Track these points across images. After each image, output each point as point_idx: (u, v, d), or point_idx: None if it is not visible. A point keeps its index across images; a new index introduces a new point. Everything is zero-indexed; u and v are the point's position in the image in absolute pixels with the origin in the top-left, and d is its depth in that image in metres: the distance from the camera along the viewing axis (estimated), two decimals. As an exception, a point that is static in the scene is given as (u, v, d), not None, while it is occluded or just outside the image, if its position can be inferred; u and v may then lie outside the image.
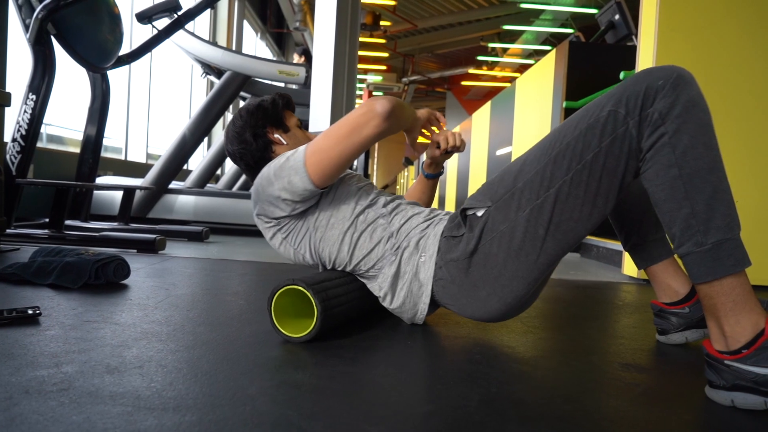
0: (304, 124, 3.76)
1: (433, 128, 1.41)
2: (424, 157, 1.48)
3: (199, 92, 8.73)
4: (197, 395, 0.79)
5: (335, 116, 3.54)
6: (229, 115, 8.73)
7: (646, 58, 2.33)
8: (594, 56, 3.45)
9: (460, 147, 1.37)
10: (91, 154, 3.16)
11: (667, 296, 1.23)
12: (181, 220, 3.93)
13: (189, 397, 0.78)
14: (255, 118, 1.33)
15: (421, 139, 1.36)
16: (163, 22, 3.32)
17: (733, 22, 2.27)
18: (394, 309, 1.24)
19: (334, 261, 1.26)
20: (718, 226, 0.86)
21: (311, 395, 0.82)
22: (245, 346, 1.07)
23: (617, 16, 4.11)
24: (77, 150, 3.30)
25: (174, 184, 4.24)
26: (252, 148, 1.33)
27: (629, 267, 2.46)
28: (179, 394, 0.79)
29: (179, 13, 3.28)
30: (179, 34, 4.04)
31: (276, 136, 1.35)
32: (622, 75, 2.85)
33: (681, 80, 0.91)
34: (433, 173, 1.48)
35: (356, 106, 4.08)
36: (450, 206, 7.41)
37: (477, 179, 5.60)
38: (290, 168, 1.18)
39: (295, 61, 5.89)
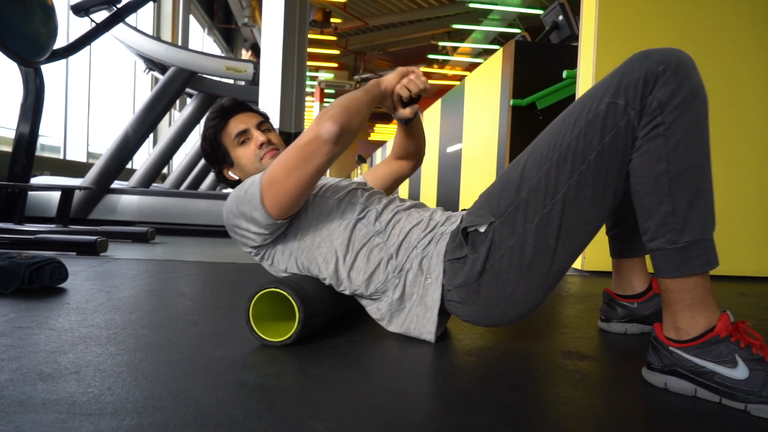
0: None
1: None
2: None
3: (143, 88, 8.43)
4: (137, 399, 0.76)
5: (285, 113, 3.49)
6: (175, 113, 8.47)
7: (587, 58, 2.42)
8: (539, 55, 3.55)
9: (424, 89, 1.23)
10: (25, 153, 2.99)
11: (623, 289, 1.27)
12: (125, 221, 3.79)
13: (128, 401, 0.76)
14: (209, 161, 1.35)
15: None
16: (101, 15, 3.19)
17: (671, 23, 2.38)
18: (394, 331, 1.16)
19: (333, 284, 1.17)
20: (694, 226, 0.85)
21: (257, 394, 0.81)
22: (190, 347, 1.04)
23: (561, 17, 4.24)
24: (9, 149, 3.12)
25: (117, 184, 4.08)
26: (225, 184, 1.37)
27: (573, 259, 2.54)
28: (118, 399, 0.76)
29: (119, 5, 3.16)
30: (120, 28, 3.89)
31: (230, 174, 1.32)
32: (565, 74, 2.95)
33: (683, 66, 0.86)
34: (408, 118, 1.31)
35: (305, 102, 4.04)
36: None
37: (429, 176, 5.66)
38: (249, 203, 1.12)
39: (243, 57, 5.77)
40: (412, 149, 1.44)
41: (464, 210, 1.21)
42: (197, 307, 1.41)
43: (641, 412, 0.83)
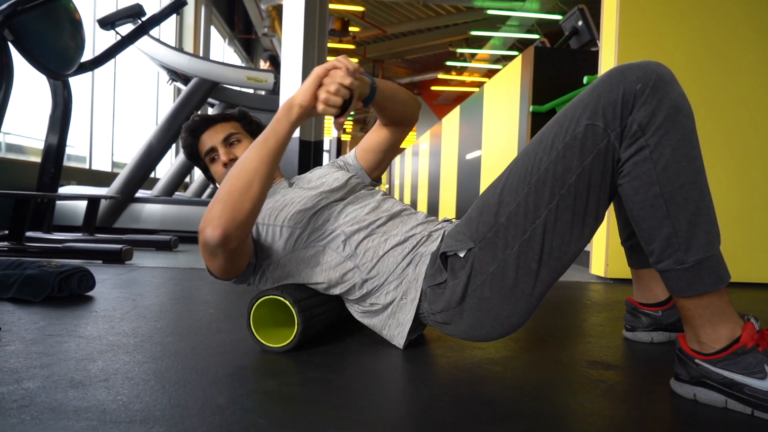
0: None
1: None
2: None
3: (166, 99, 8.58)
4: (165, 407, 0.78)
5: (303, 123, 3.52)
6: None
7: (608, 64, 2.40)
8: (558, 61, 3.53)
9: (351, 84, 1.03)
10: (53, 164, 3.07)
11: (645, 297, 1.26)
12: (149, 229, 3.85)
13: (156, 408, 0.77)
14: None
15: None
16: (126, 28, 3.26)
17: (690, 27, 2.35)
18: (366, 324, 1.17)
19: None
20: (699, 245, 0.83)
21: (282, 403, 0.81)
22: (214, 355, 1.05)
23: (580, 22, 4.21)
24: (38, 159, 3.20)
25: (141, 193, 4.15)
26: None
27: (597, 266, 2.51)
28: (146, 407, 0.77)
29: (143, 18, 3.23)
30: (144, 40, 3.97)
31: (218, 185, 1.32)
32: (585, 80, 2.92)
33: (661, 81, 0.83)
34: (366, 99, 1.15)
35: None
36: (422, 210, 7.44)
37: (448, 183, 5.65)
38: None
39: (261, 68, 5.85)
40: (392, 116, 1.29)
41: (446, 219, 1.19)
42: (221, 315, 1.42)
43: (670, 424, 0.81)
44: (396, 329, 1.11)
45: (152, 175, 7.18)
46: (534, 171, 0.90)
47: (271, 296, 1.07)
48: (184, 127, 1.33)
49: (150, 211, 3.86)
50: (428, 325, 1.11)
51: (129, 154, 6.77)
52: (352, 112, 1.09)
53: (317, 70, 1.04)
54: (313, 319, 1.10)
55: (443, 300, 1.02)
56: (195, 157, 1.35)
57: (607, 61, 2.40)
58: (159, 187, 4.45)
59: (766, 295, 2.12)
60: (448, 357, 1.09)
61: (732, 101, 2.36)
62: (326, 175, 1.28)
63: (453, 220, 1.18)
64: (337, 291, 1.14)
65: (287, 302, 1.06)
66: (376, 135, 1.36)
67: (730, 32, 2.36)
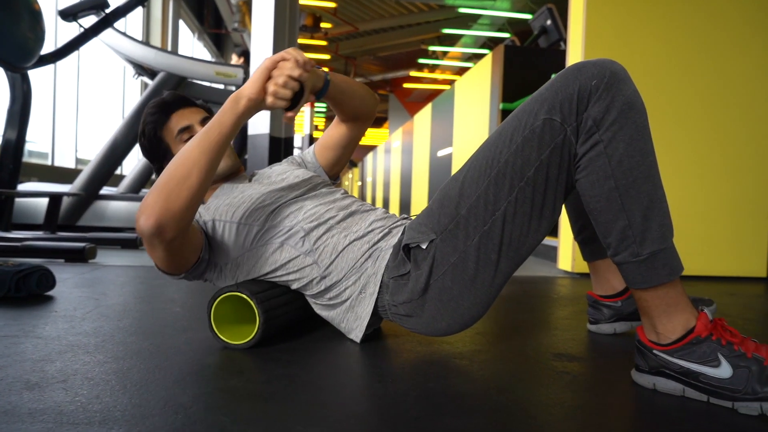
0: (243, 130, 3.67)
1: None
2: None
3: (132, 93, 8.38)
4: (126, 407, 0.76)
5: (275, 118, 3.49)
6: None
7: (575, 61, 2.44)
8: (528, 59, 3.58)
9: (300, 75, 1.01)
10: (12, 159, 2.97)
11: (603, 289, 1.29)
12: (115, 227, 3.76)
13: (117, 409, 0.75)
14: (148, 158, 1.29)
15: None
16: (89, 20, 3.17)
17: (656, 26, 2.41)
18: (323, 316, 1.18)
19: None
20: (653, 238, 0.86)
21: (247, 400, 0.80)
22: (179, 354, 1.03)
23: (549, 22, 4.28)
24: (-4, 155, 3.09)
25: (106, 190, 4.05)
26: None
27: (564, 261, 2.56)
28: (106, 407, 0.75)
29: (107, 10, 3.14)
30: (108, 33, 3.87)
31: None
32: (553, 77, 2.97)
33: (614, 79, 0.85)
34: (319, 92, 1.15)
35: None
36: (394, 208, 7.47)
37: (420, 180, 5.67)
38: None
39: (233, 63, 5.75)
40: (349, 111, 1.29)
41: (404, 216, 1.20)
42: (187, 314, 1.40)
43: (630, 412, 0.83)
44: (354, 323, 1.11)
45: (118, 171, 7.02)
46: (494, 164, 0.92)
47: (230, 293, 1.06)
48: (154, 103, 1.25)
49: (115, 208, 3.77)
50: (388, 319, 1.11)
51: (94, 150, 6.60)
52: (304, 107, 1.08)
53: (266, 62, 1.02)
54: (275, 311, 1.09)
55: (406, 291, 1.03)
56: (155, 138, 1.23)
57: (574, 59, 2.44)
58: (125, 183, 4.35)
59: (728, 287, 2.19)
60: (416, 352, 1.10)
61: (694, 100, 2.44)
62: (286, 172, 1.27)
63: (411, 217, 1.18)
64: (294, 286, 1.14)
65: (246, 297, 1.05)
66: (335, 131, 1.36)
67: (694, 33, 2.43)
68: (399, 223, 1.15)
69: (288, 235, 1.12)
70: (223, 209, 1.15)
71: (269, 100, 1.01)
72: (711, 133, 2.44)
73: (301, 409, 0.77)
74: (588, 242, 1.27)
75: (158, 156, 1.27)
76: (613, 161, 0.86)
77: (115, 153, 3.88)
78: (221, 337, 1.08)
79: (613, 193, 0.86)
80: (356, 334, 1.12)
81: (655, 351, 0.89)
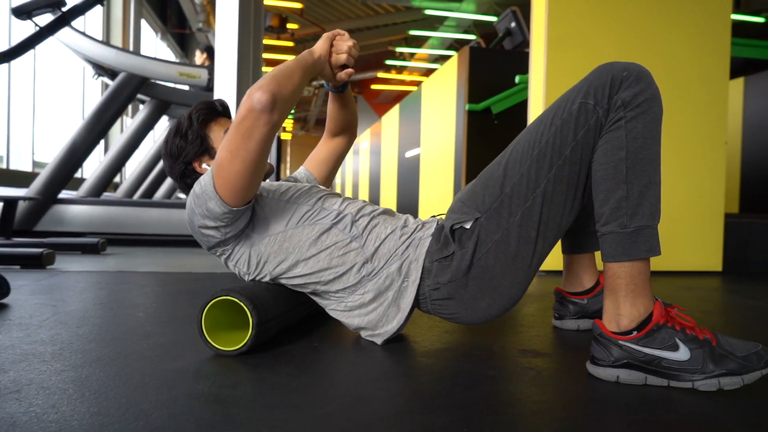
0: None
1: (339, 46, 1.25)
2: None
3: (93, 94, 8.15)
4: (83, 416, 0.73)
5: (241, 119, 3.44)
6: (127, 119, 8.22)
7: (537, 64, 2.49)
8: (493, 61, 3.62)
9: (354, 48, 1.25)
10: (-37, 163, 2.84)
11: (572, 286, 1.32)
12: (75, 232, 3.65)
13: (74, 418, 0.72)
14: (177, 152, 1.26)
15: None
16: (45, 18, 3.07)
17: (618, 30, 2.48)
18: (351, 327, 1.17)
19: (298, 284, 1.18)
20: (643, 213, 0.94)
21: (211, 405, 0.79)
22: (141, 360, 1.01)
23: (513, 24, 4.34)
24: (-54, 158, 2.96)
25: (65, 194, 3.92)
26: (184, 186, 1.30)
27: (530, 260, 2.60)
28: (62, 417, 0.73)
29: (64, 9, 3.04)
30: (66, 32, 3.75)
31: (204, 166, 1.27)
32: (517, 79, 3.02)
33: (644, 74, 0.97)
34: (342, 86, 1.36)
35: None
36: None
37: (388, 181, 5.68)
38: (203, 194, 1.10)
39: (198, 60, 5.64)
40: (347, 120, 1.47)
41: (433, 217, 1.23)
42: (150, 319, 1.36)
43: (593, 404, 0.85)
44: (395, 317, 1.12)
45: (79, 174, 6.81)
46: (536, 145, 1.02)
47: (222, 298, 1.03)
48: (206, 102, 1.31)
49: (75, 212, 3.66)
50: (425, 309, 1.13)
51: (52, 152, 6.39)
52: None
53: (326, 34, 1.24)
54: (269, 323, 1.06)
55: (450, 271, 1.07)
56: (201, 128, 1.27)
57: (537, 61, 2.49)
58: (85, 187, 4.22)
59: (685, 281, 2.27)
60: (383, 352, 1.10)
61: (664, 99, 2.51)
62: (290, 186, 1.27)
63: (439, 218, 1.21)
64: (330, 276, 1.13)
65: (239, 302, 1.02)
66: (327, 145, 1.52)
67: (648, 38, 2.51)
68: (431, 219, 1.20)
69: (338, 218, 1.17)
70: (272, 189, 1.23)
71: (336, 51, 1.22)
72: (665, 134, 2.51)
73: (268, 414, 0.76)
74: (570, 234, 1.28)
75: (195, 146, 1.27)
76: (629, 136, 0.95)
77: (75, 155, 3.76)
78: (211, 341, 1.03)
79: (621, 164, 0.95)
80: (391, 327, 1.12)
81: (621, 342, 0.93)
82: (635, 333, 0.92)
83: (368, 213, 1.19)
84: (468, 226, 1.06)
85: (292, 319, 1.21)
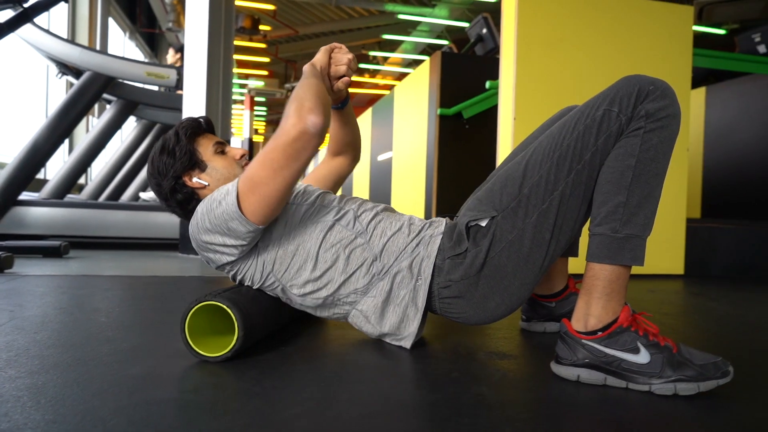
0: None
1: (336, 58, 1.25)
2: None
3: (57, 93, 7.92)
4: (38, 424, 0.71)
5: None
6: (93, 119, 8.01)
7: (507, 69, 2.52)
8: (464, 66, 3.66)
9: (353, 60, 1.25)
10: None
11: (543, 289, 1.34)
12: (37, 234, 3.53)
13: (28, 426, 0.70)
14: (165, 169, 1.21)
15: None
16: (5, 15, 2.97)
17: (586, 38, 2.53)
18: (375, 335, 1.16)
19: (306, 291, 1.15)
20: (637, 223, 0.96)
21: (172, 411, 0.77)
22: (101, 365, 0.98)
23: (485, 30, 4.40)
24: None
25: (26, 195, 3.80)
26: (175, 204, 1.23)
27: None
28: (15, 425, 0.70)
29: (25, 5, 2.96)
30: (27, 29, 3.64)
31: (195, 180, 1.22)
32: (487, 84, 3.06)
33: (670, 91, 0.98)
34: (342, 102, 1.35)
35: (233, 110, 3.93)
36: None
37: (361, 184, 5.68)
38: (224, 214, 1.06)
39: (170, 59, 5.54)
40: (350, 139, 1.44)
41: (440, 216, 1.24)
42: (112, 324, 1.33)
43: (555, 405, 0.86)
44: (415, 317, 1.11)
45: (42, 176, 6.61)
46: (557, 147, 1.02)
47: (206, 303, 1.01)
48: (191, 119, 1.28)
49: (37, 214, 3.55)
50: (433, 310, 1.13)
51: (12, 152, 6.18)
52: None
53: (325, 47, 1.24)
54: (254, 329, 1.05)
55: (463, 268, 1.07)
56: (189, 143, 1.23)
57: (507, 66, 2.52)
58: (48, 188, 4.10)
59: (648, 284, 2.32)
60: (348, 355, 1.09)
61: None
62: (304, 185, 1.27)
63: (443, 219, 1.20)
64: (340, 277, 1.12)
65: (225, 307, 1.00)
66: (329, 164, 1.47)
67: (616, 43, 2.57)
68: (436, 219, 1.19)
69: (340, 215, 1.16)
70: None
71: (334, 63, 1.22)
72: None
73: (230, 419, 0.75)
74: None
75: (185, 160, 1.22)
76: (644, 146, 0.96)
77: (37, 155, 3.65)
78: (194, 347, 1.01)
79: (628, 171, 0.96)
80: (414, 328, 1.11)
81: (583, 341, 0.95)
82: (599, 333, 0.94)
83: (370, 209, 1.19)
84: (484, 223, 1.06)
85: (277, 323, 1.20)
